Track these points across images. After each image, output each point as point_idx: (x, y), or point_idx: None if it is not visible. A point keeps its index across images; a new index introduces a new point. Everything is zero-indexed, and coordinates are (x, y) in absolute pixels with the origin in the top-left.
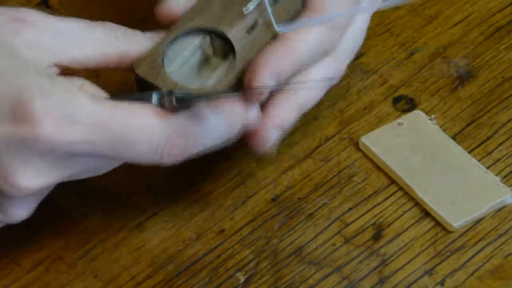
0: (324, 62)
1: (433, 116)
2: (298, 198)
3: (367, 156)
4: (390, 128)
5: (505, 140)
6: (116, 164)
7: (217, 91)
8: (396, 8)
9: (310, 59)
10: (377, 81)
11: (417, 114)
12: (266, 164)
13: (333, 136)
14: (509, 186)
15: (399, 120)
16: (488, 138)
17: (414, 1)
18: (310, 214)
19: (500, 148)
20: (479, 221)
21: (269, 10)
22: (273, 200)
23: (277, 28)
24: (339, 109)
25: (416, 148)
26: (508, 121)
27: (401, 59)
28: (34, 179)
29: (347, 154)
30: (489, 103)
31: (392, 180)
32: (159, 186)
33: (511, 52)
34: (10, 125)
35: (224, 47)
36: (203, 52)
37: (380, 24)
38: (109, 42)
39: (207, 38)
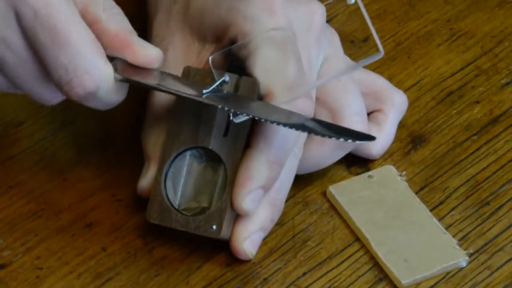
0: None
1: (403, 172)
2: (253, 263)
3: (322, 218)
4: (359, 180)
5: (457, 205)
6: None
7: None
8: None
9: (282, 152)
10: None
11: (388, 169)
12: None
13: (288, 200)
14: (465, 250)
15: (369, 173)
16: (441, 203)
17: (382, 56)
18: (265, 279)
19: (452, 213)
20: (433, 285)
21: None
22: (228, 265)
23: (234, 119)
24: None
25: (381, 202)
26: (460, 186)
27: None
28: None
29: (302, 218)
30: (441, 167)
31: (348, 243)
32: (114, 250)
33: (462, 117)
34: None
35: (214, 157)
36: (199, 169)
37: None
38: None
39: (196, 155)
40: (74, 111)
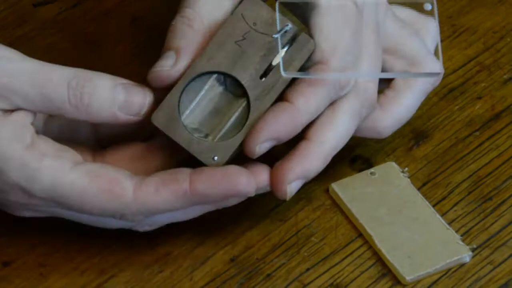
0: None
1: (405, 168)
2: (257, 259)
3: (325, 214)
4: (361, 177)
5: (460, 201)
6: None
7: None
8: None
9: (311, 118)
10: None
11: (390, 165)
12: (224, 224)
13: None
14: (467, 245)
15: (372, 170)
16: (443, 199)
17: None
18: (268, 275)
19: (455, 208)
20: (436, 281)
21: (280, 53)
22: (232, 260)
23: (283, 73)
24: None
25: (384, 199)
26: (463, 181)
27: None
28: (22, 213)
29: (305, 214)
30: (444, 163)
31: (351, 239)
32: (118, 246)
33: (464, 113)
34: None
35: (237, 92)
36: (217, 96)
37: None
38: (72, 112)
39: (221, 82)
40: None
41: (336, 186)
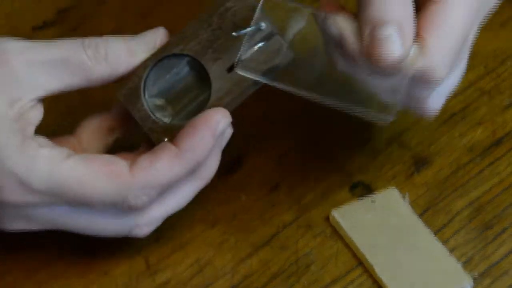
0: None
1: (406, 194)
2: (256, 287)
3: (326, 242)
4: (362, 204)
5: (461, 228)
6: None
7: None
8: None
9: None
10: (334, 168)
11: (391, 192)
12: (224, 252)
13: (290, 223)
14: (469, 273)
15: (372, 196)
16: (444, 226)
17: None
18: None
19: (456, 236)
20: None
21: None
22: None
23: (237, 69)
24: (297, 196)
25: (384, 226)
26: (464, 208)
27: (357, 145)
28: (13, 225)
29: (305, 242)
30: (444, 189)
31: (351, 267)
32: (117, 273)
33: (465, 139)
34: None
35: (203, 79)
36: (188, 78)
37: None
38: (93, 66)
39: (192, 65)
40: None
41: (336, 213)
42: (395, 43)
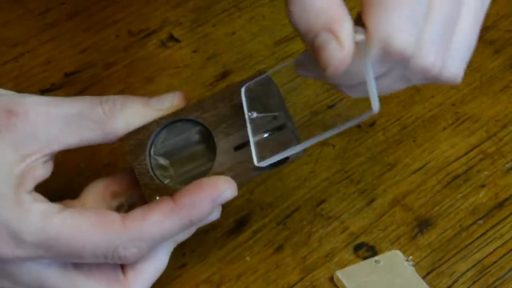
0: None
1: (410, 257)
2: None
3: None
4: (366, 265)
5: None
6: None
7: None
8: (356, 155)
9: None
10: (338, 228)
11: (395, 254)
12: None
13: (295, 284)
14: None
15: (376, 258)
16: None
17: (375, 112)
18: None
19: None
20: None
21: (251, 141)
22: None
23: (257, 162)
24: (301, 257)
25: (389, 287)
26: (467, 270)
27: (361, 206)
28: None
29: None
30: (448, 252)
31: None
32: None
33: (468, 201)
34: None
35: (210, 150)
36: (196, 145)
37: (340, 171)
38: (109, 120)
39: (203, 134)
40: None
41: (341, 274)
42: (330, 45)
